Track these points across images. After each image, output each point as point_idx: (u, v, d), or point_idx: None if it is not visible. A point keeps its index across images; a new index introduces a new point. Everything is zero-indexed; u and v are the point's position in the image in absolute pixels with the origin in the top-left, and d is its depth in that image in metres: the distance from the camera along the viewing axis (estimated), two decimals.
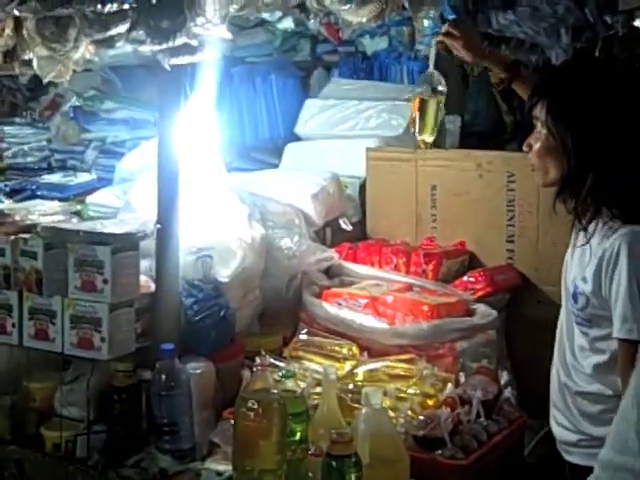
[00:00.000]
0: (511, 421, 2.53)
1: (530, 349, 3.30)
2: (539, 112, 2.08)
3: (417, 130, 2.82)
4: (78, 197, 4.20)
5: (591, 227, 2.07)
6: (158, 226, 2.52)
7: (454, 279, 3.38)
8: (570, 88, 2.06)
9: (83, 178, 4.49)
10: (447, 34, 2.66)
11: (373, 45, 5.04)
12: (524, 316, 3.40)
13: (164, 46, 2.32)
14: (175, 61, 2.42)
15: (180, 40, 2.31)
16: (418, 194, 3.72)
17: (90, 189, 4.20)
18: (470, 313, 3.06)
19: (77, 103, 4.79)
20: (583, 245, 2.10)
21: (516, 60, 2.79)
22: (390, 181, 3.80)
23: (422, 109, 2.79)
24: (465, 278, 3.35)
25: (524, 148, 2.17)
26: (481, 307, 3.10)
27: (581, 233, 2.13)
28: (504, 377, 2.62)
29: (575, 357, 2.20)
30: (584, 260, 2.10)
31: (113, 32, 2.35)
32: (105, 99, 4.76)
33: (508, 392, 2.56)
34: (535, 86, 2.16)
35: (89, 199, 3.95)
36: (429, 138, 2.84)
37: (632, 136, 2.01)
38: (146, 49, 2.38)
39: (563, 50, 4.32)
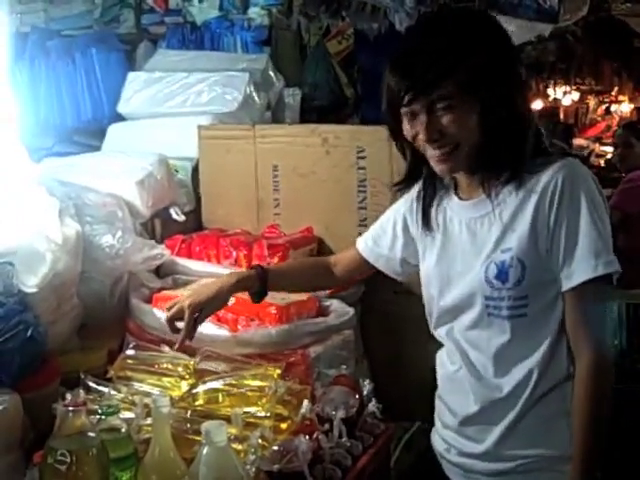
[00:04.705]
0: (376, 436, 2.24)
1: (388, 345, 3.12)
2: (443, 89, 1.78)
3: None
4: None
5: (499, 193, 1.84)
6: None
7: None
8: (472, 46, 1.79)
9: None
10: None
11: (202, 13, 4.79)
12: (380, 309, 3.16)
13: None
14: None
15: None
16: (258, 176, 3.43)
17: None
18: (323, 312, 2.78)
19: None
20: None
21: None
22: (226, 162, 3.48)
23: None
24: None
25: (432, 137, 1.81)
26: (335, 304, 2.83)
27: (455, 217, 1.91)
28: (366, 387, 2.29)
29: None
30: (491, 232, 1.84)
31: None
32: None
33: (372, 405, 2.23)
34: (429, 66, 1.81)
35: None
36: None
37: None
38: None
39: (407, 14, 4.07)
